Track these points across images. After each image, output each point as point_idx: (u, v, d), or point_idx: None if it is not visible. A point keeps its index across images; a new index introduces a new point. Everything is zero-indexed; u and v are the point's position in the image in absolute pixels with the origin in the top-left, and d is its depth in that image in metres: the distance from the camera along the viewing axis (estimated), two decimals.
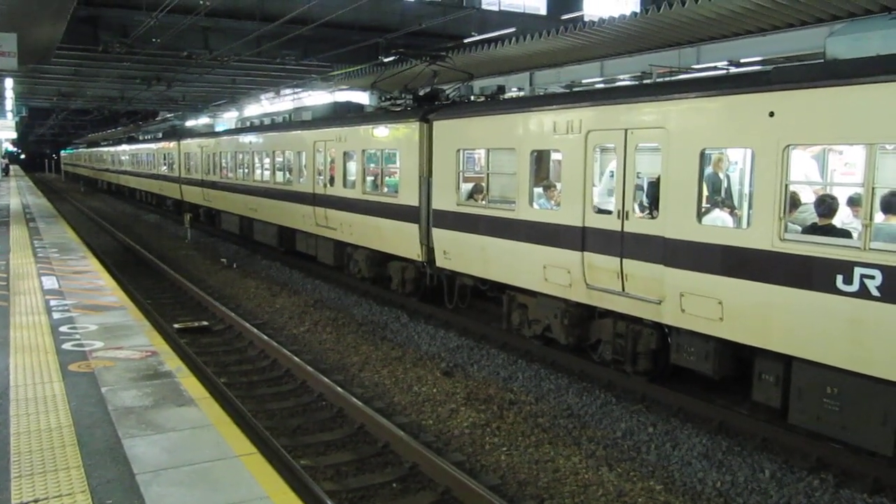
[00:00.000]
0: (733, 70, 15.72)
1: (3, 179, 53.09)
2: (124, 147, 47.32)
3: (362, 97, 29.62)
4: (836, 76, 7.00)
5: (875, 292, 6.60)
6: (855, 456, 7.54)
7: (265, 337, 12.42)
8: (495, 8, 35.43)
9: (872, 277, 6.62)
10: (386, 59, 24.00)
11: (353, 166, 15.99)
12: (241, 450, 5.57)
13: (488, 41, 20.97)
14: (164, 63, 31.32)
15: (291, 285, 17.83)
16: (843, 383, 7.09)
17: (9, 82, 36.36)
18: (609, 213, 9.50)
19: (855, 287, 6.74)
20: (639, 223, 9.08)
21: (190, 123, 43.75)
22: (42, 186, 56.99)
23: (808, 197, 8.28)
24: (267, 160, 21.27)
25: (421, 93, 15.04)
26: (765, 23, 14.53)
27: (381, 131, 14.70)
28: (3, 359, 7.79)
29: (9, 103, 43.53)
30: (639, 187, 9.38)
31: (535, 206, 10.81)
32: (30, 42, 21.21)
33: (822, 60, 7.90)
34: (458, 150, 12.38)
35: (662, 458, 8.09)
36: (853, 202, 7.54)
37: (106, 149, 56.78)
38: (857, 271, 6.73)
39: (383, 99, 16.42)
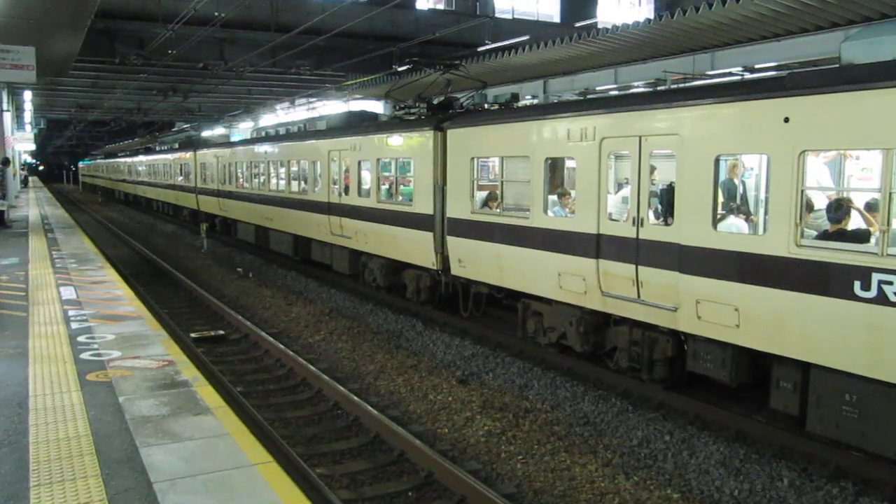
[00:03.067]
0: (748, 76, 15.65)
1: (22, 191, 53.64)
2: (141, 158, 47.69)
3: (377, 106, 29.75)
4: (851, 81, 6.95)
5: (893, 298, 6.54)
6: (875, 464, 7.46)
7: (281, 346, 12.46)
8: (509, 16, 35.54)
9: (890, 283, 6.56)
10: (400, 69, 24.09)
11: (367, 175, 16.04)
12: (258, 458, 5.59)
13: (502, 49, 21.02)
14: (180, 74, 31.63)
15: (307, 294, 17.89)
16: (862, 390, 7.03)
17: (27, 95, 36.86)
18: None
19: (873, 293, 6.69)
20: (654, 230, 9.05)
21: (206, 134, 44.03)
22: (60, 197, 57.55)
23: (824, 203, 8.22)
24: (282, 170, 21.37)
25: (435, 101, 15.08)
26: (779, 28, 14.48)
27: (396, 140, 14.74)
28: (22, 368, 7.86)
29: (27, 115, 44.07)
30: (653, 194, 9.35)
31: (550, 213, 10.80)
32: (48, 55, 21.49)
33: (837, 65, 7.86)
34: (473, 159, 12.40)
35: (679, 466, 8.04)
36: (870, 208, 7.48)
37: (123, 159, 57.26)
38: (875, 277, 6.67)
39: (397, 108, 16.48)
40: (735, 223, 8.50)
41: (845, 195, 7.95)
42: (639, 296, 9.22)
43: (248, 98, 41.47)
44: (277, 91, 38.14)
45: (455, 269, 13.02)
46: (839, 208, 7.59)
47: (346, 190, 16.85)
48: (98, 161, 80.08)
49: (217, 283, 19.74)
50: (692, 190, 8.42)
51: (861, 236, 7.37)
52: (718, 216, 8.30)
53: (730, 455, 8.13)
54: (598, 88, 20.92)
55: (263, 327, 14.24)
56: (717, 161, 8.19)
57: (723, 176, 8.51)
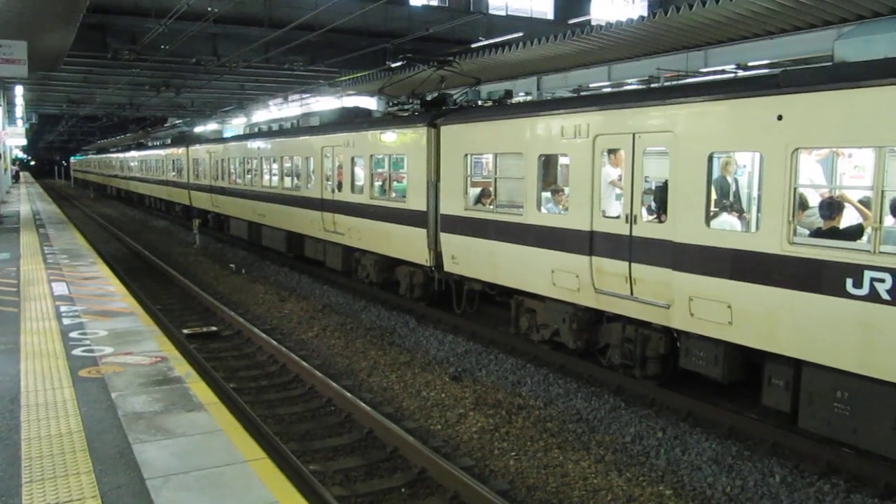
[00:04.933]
0: (741, 73, 15.68)
1: (13, 186, 53.38)
2: (133, 153, 47.51)
3: (370, 102, 29.67)
4: (844, 79, 6.98)
5: (885, 296, 6.57)
6: (866, 460, 7.50)
7: (274, 342, 12.45)
8: (502, 13, 35.53)
9: (882, 281, 6.59)
10: (393, 65, 24.06)
11: (360, 171, 16.03)
12: (251, 455, 5.59)
13: (495, 46, 21.00)
14: (172, 69, 31.50)
15: (300, 290, 17.86)
16: (854, 387, 7.06)
17: (19, 89, 36.66)
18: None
19: (865, 290, 6.72)
20: (647, 227, 9.06)
21: (198, 129, 43.91)
22: (52, 193, 57.27)
23: (816, 200, 8.25)
24: (275, 165, 21.33)
25: (428, 98, 15.06)
26: (773, 26, 14.51)
27: (389, 136, 14.73)
28: (14, 364, 7.83)
29: (19, 110, 43.84)
30: (647, 191, 9.36)
31: (544, 210, 10.81)
32: (40, 49, 21.37)
33: (830, 63, 7.88)
34: (466, 155, 12.40)
35: (672, 462, 8.07)
36: (862, 205, 7.51)
37: (115, 155, 57.02)
38: (867, 275, 6.70)
39: (391, 104, 16.45)
40: (728, 220, 8.54)
41: (838, 193, 7.98)
42: (632, 293, 9.24)
43: (241, 94, 41.36)
44: (270, 87, 38.04)
45: (448, 266, 13.02)
46: (831, 206, 7.63)
47: (340, 186, 16.82)
48: (90, 156, 79.75)
49: (210, 280, 19.69)
50: (685, 187, 8.44)
51: (853, 234, 7.40)
52: (711, 213, 8.32)
53: (722, 452, 8.16)
54: (591, 85, 20.91)
55: (256, 323, 14.22)
56: (710, 158, 8.20)
57: (716, 173, 8.53)
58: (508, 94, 14.19)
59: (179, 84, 35.32)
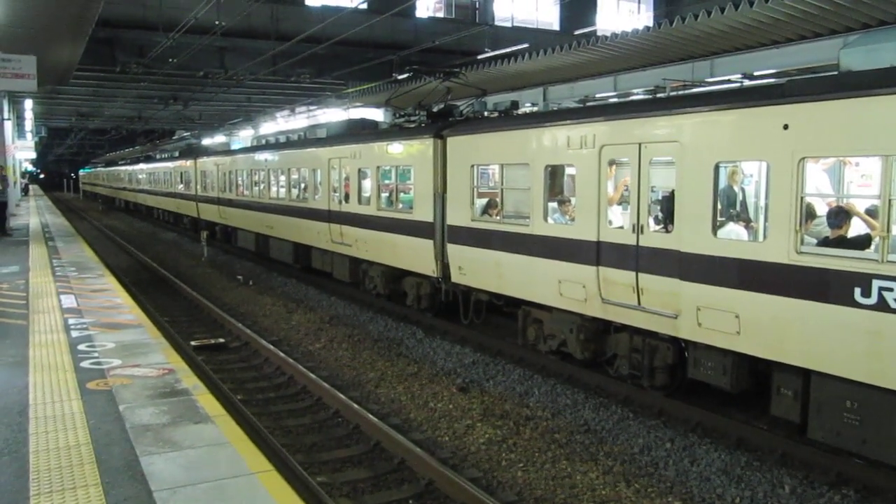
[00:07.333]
0: (747, 83, 15.66)
1: (22, 199, 53.64)
2: (141, 166, 47.77)
3: (376, 114, 29.75)
4: (850, 88, 6.97)
5: (894, 305, 6.54)
6: (876, 471, 7.45)
7: (281, 354, 12.45)
8: (508, 24, 35.65)
9: (891, 290, 6.56)
10: (400, 76, 24.11)
11: (367, 183, 16.07)
12: (258, 467, 5.59)
13: (501, 57, 21.04)
14: (180, 83, 31.68)
15: (307, 302, 17.88)
16: (863, 397, 7.02)
17: (28, 103, 36.91)
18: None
19: (873, 300, 6.69)
20: (654, 237, 9.05)
21: (206, 142, 44.10)
22: (60, 205, 57.53)
23: (824, 209, 8.24)
24: (282, 177, 21.40)
25: (435, 109, 15.10)
26: (778, 35, 14.50)
27: (396, 148, 14.76)
28: (22, 377, 7.86)
29: (28, 124, 44.11)
30: (653, 201, 9.36)
31: (550, 220, 10.81)
32: (49, 64, 21.55)
33: (836, 72, 7.88)
34: (472, 166, 12.41)
35: (681, 473, 8.03)
36: (870, 214, 7.49)
37: (123, 168, 57.34)
38: (875, 284, 6.67)
39: (397, 116, 16.50)
40: (735, 230, 8.52)
41: (845, 202, 7.96)
42: (639, 303, 9.22)
43: (249, 106, 41.55)
44: (277, 99, 38.22)
45: (455, 277, 13.02)
46: (839, 215, 7.61)
47: (347, 198, 16.87)
48: (98, 169, 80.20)
49: (217, 291, 19.73)
50: (692, 197, 8.43)
51: (861, 243, 7.38)
52: (718, 223, 8.31)
53: (731, 462, 8.12)
54: (597, 96, 20.91)
55: (264, 335, 14.24)
56: (716, 168, 8.20)
57: (722, 183, 8.52)
58: (514, 104, 14.22)
59: (187, 97, 35.53)
